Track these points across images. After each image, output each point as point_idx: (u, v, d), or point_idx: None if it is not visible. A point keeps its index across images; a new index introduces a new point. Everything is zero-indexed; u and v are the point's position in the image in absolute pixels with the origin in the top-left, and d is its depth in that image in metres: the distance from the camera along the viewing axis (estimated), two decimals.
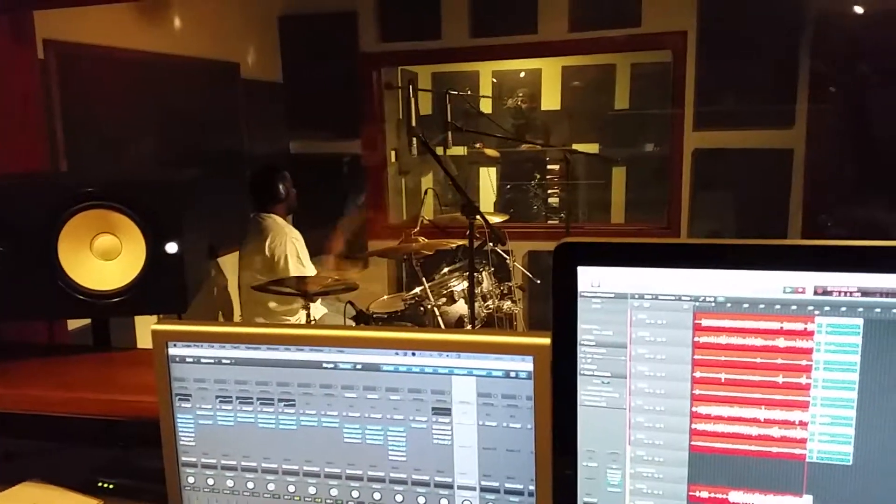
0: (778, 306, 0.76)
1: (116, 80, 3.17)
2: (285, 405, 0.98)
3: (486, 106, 6.02)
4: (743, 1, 4.14)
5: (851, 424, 0.77)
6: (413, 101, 4.46)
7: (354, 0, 4.71)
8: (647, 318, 0.81)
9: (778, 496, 0.80)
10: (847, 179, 4.24)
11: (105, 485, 1.28)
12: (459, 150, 6.02)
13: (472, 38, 4.63)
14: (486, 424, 0.91)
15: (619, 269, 0.80)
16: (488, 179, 6.22)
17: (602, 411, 0.84)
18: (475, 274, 3.39)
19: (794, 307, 0.76)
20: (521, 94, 6.19)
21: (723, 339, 0.79)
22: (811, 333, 0.76)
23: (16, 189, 1.52)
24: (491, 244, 3.80)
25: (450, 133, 3.95)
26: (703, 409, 0.81)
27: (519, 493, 0.92)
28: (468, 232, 3.20)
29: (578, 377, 0.84)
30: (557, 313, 0.83)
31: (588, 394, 0.84)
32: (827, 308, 0.75)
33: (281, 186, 3.73)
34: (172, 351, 1.01)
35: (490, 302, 3.81)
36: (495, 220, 3.97)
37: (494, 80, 6.41)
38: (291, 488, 1.00)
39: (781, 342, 0.77)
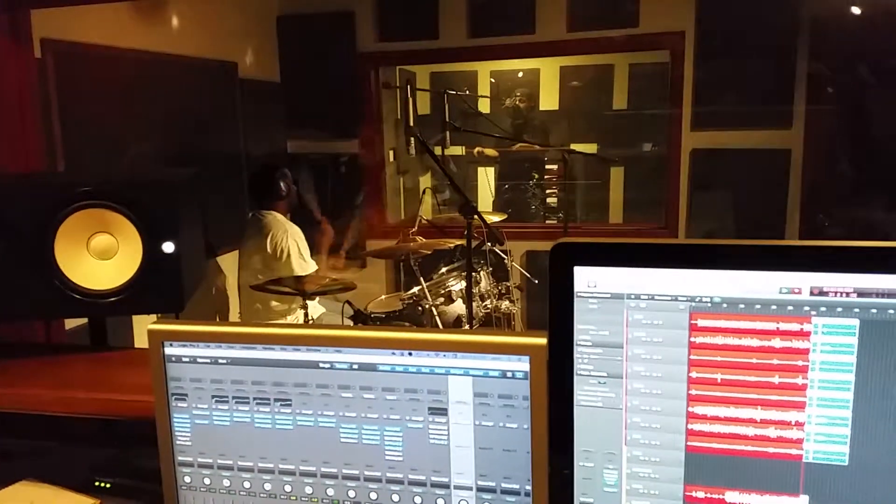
0: (774, 307, 0.76)
1: (114, 79, 3.16)
2: (281, 405, 0.98)
3: (484, 106, 6.02)
4: (741, 1, 4.14)
5: (847, 425, 0.77)
6: (411, 100, 4.46)
7: (352, 0, 4.71)
8: (644, 318, 0.81)
9: (774, 496, 0.80)
10: (845, 180, 4.24)
11: (102, 484, 1.27)
12: (458, 150, 6.02)
13: (470, 37, 4.63)
14: (482, 424, 0.91)
15: (616, 270, 0.81)
16: (486, 179, 6.22)
17: (598, 411, 0.84)
18: (473, 274, 3.40)
19: (790, 308, 0.76)
20: (519, 94, 6.18)
21: (719, 340, 0.79)
22: (807, 334, 0.76)
23: (12, 188, 1.51)
24: (489, 244, 3.80)
25: (448, 133, 3.95)
26: (699, 410, 0.81)
27: (515, 492, 0.92)
28: (466, 232, 3.21)
29: (575, 377, 0.84)
30: (554, 313, 0.83)
31: (584, 394, 0.84)
32: (823, 308, 0.75)
33: (282, 184, 3.73)
34: (168, 350, 1.00)
35: (488, 302, 3.81)
36: (493, 219, 3.98)
37: (492, 80, 6.40)
38: (288, 488, 1.00)
39: (777, 343, 0.77)
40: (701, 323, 0.79)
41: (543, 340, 0.86)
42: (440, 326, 3.48)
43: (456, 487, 0.94)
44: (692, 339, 0.80)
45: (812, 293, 0.75)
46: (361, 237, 4.91)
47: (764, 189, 4.40)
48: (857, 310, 0.74)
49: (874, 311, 0.74)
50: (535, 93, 6.34)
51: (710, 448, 0.81)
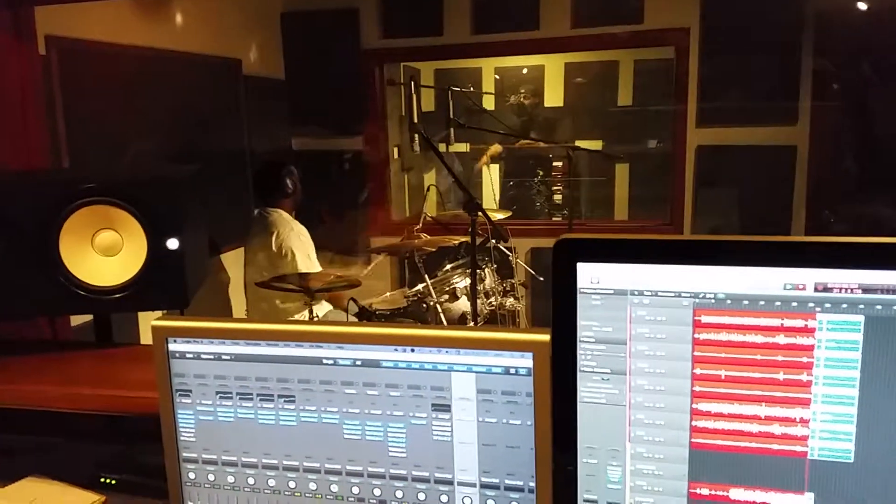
0: (778, 303, 0.76)
1: (118, 76, 3.16)
2: (285, 401, 0.98)
3: (488, 103, 6.01)
4: None
5: (853, 422, 0.76)
6: (415, 97, 4.45)
7: None
8: (647, 314, 0.80)
9: (779, 493, 0.80)
10: (850, 176, 4.22)
11: (107, 480, 1.28)
12: (462, 147, 6.01)
13: (475, 34, 4.62)
14: (485, 421, 0.91)
15: (619, 266, 0.80)
16: (490, 176, 6.21)
17: (602, 408, 0.84)
18: (478, 271, 3.39)
19: (794, 304, 0.76)
20: (523, 91, 6.17)
21: (723, 336, 0.78)
22: (812, 330, 0.76)
23: (17, 185, 1.52)
24: (493, 241, 3.79)
25: (452, 130, 3.94)
26: (703, 406, 0.81)
27: (519, 489, 0.92)
28: (471, 229, 3.20)
29: (578, 374, 0.84)
30: (557, 310, 0.83)
31: (588, 390, 0.84)
32: (828, 305, 0.75)
33: (288, 181, 3.71)
34: (172, 347, 1.01)
35: (493, 299, 3.81)
36: (498, 216, 3.97)
37: (497, 77, 6.39)
38: (292, 484, 1.00)
39: (782, 339, 0.77)
40: (705, 319, 0.79)
41: (547, 337, 0.86)
42: (445, 323, 3.47)
43: (459, 484, 0.94)
44: (696, 336, 0.79)
45: (817, 289, 0.75)
46: (366, 234, 4.91)
47: (769, 185, 4.38)
48: (862, 306, 0.74)
49: (879, 307, 0.73)
50: (539, 89, 6.32)
51: (715, 445, 0.81)
